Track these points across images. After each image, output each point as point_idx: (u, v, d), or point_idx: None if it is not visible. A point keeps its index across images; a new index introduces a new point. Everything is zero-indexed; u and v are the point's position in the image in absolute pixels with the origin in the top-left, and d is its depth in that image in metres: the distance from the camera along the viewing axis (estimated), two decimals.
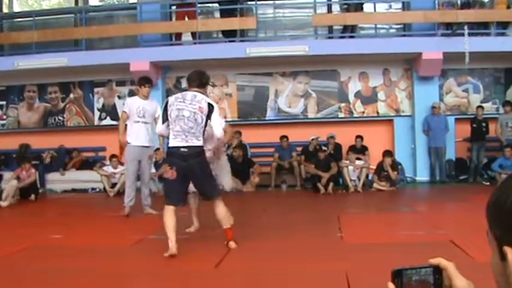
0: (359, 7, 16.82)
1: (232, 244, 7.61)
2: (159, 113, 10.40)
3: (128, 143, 10.84)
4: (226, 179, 8.95)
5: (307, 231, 8.82)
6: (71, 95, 17.91)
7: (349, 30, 16.84)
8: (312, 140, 15.90)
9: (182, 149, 7.18)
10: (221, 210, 7.57)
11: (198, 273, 6.49)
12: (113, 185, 15.37)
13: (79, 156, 17.27)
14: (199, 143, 7.26)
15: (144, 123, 10.84)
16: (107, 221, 10.63)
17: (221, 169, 8.76)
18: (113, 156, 15.35)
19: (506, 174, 14.12)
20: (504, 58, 16.14)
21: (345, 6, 16.94)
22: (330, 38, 17.02)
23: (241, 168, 15.10)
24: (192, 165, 7.18)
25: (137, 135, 10.79)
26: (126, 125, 11.00)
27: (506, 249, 1.28)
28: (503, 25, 16.32)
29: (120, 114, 12.61)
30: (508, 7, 16.39)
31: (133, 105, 10.88)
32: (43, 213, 13.07)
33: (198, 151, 7.25)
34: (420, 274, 1.42)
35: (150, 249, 8.10)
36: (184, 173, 7.23)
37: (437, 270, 1.42)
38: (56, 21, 18.23)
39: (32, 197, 14.49)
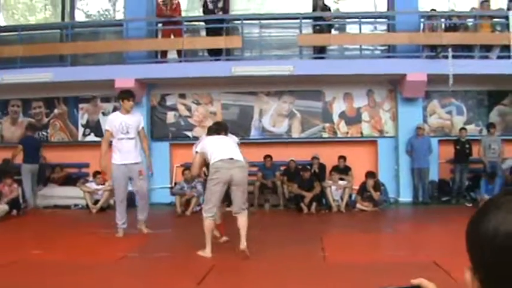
0: (329, 29, 17.00)
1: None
2: (143, 125, 10.70)
3: (112, 163, 10.48)
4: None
5: (290, 251, 8.83)
6: (56, 111, 17.83)
7: (318, 52, 17.02)
8: (290, 161, 15.95)
9: None
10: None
11: None
12: (96, 202, 15.31)
13: (62, 171, 17.19)
14: None
15: (129, 139, 10.46)
16: (89, 238, 10.55)
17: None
18: (97, 172, 15.22)
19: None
20: (487, 80, 16.28)
21: (317, 27, 16.99)
22: (315, 58, 17.04)
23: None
24: None
25: (123, 153, 10.42)
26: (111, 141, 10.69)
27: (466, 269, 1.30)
28: (486, 48, 16.44)
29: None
30: (492, 31, 16.56)
31: (115, 122, 10.50)
32: (25, 228, 12.96)
33: None
34: None
35: (132, 266, 8.10)
36: None
37: None
38: (42, 36, 18.14)
39: (14, 212, 14.38)
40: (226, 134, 9.25)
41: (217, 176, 8.38)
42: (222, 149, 8.58)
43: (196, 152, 9.09)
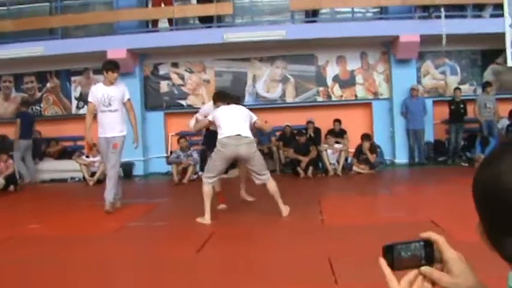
0: None
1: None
2: (128, 96, 10.27)
3: (98, 137, 10.15)
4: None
5: (288, 215, 8.83)
6: (48, 85, 17.77)
7: (316, 14, 16.94)
8: (286, 126, 15.94)
9: None
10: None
11: (180, 259, 6.47)
12: (92, 174, 15.30)
13: (57, 145, 17.17)
14: None
15: (111, 112, 10.01)
16: (87, 210, 10.47)
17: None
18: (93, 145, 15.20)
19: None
20: (481, 40, 16.20)
21: None
22: (306, 22, 16.94)
23: None
24: None
25: (104, 126, 10.03)
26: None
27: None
28: (479, 7, 16.35)
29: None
30: None
31: (97, 94, 10.04)
32: (22, 203, 12.95)
33: None
34: (411, 248, 1.41)
35: (131, 236, 8.10)
36: None
37: (428, 244, 1.42)
38: (31, 10, 17.94)
39: (11, 187, 14.41)
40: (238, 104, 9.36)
41: (223, 151, 8.57)
42: (230, 125, 8.69)
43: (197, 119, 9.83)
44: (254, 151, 8.77)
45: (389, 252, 1.42)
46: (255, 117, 9.15)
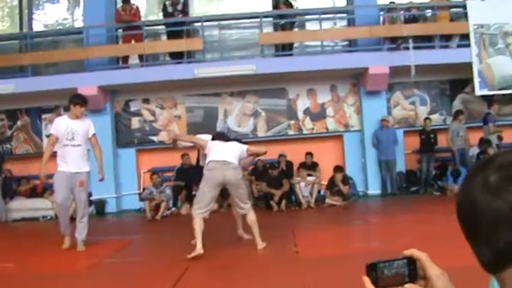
0: (290, 27, 17.12)
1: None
2: (93, 132, 10.02)
3: (57, 170, 9.68)
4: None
5: (263, 248, 8.82)
6: (18, 122, 17.65)
7: (287, 48, 17.03)
8: (258, 161, 15.94)
9: None
10: None
11: None
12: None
13: (28, 184, 17.01)
14: None
15: (74, 147, 9.65)
16: (59, 249, 10.27)
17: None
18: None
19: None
20: (449, 70, 16.46)
21: (280, 24, 17.09)
22: (276, 56, 17.07)
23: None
24: None
25: (67, 161, 9.62)
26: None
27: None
28: (446, 38, 16.60)
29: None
30: (451, 20, 16.72)
31: (61, 127, 9.69)
32: None
33: None
34: (394, 266, 1.44)
35: (105, 273, 8.04)
36: None
37: (411, 262, 1.44)
38: (1, 48, 17.96)
39: None
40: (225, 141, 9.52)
41: (210, 176, 8.67)
42: (219, 152, 8.87)
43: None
44: (240, 177, 8.91)
45: (372, 270, 1.44)
46: (245, 147, 9.25)
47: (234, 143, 9.39)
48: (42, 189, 14.30)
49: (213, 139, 9.53)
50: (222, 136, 9.79)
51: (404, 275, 1.43)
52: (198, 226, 8.52)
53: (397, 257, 1.46)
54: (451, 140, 15.94)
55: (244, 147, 9.23)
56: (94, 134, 10.07)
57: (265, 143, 16.41)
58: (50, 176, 9.92)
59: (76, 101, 9.83)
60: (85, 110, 10.04)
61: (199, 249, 8.29)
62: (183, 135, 9.97)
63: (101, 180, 10.27)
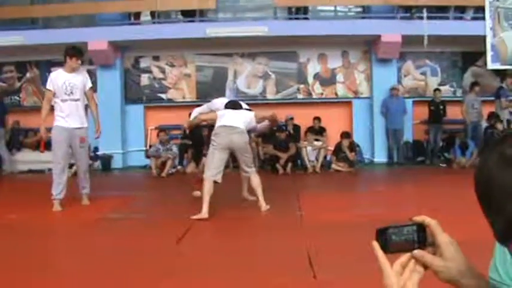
0: None
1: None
2: (90, 85, 9.72)
3: (55, 125, 9.30)
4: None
5: (267, 211, 8.83)
6: (27, 74, 17.64)
7: (301, 12, 16.89)
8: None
9: None
10: None
11: (160, 249, 6.45)
12: (71, 165, 15.19)
13: (36, 136, 17.02)
14: None
15: (73, 101, 9.30)
16: (65, 202, 10.30)
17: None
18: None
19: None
20: (461, 42, 16.34)
21: None
22: (289, 19, 16.95)
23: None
24: None
25: (66, 116, 9.24)
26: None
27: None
28: (461, 9, 16.46)
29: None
30: None
31: (58, 81, 9.27)
32: (0, 193, 12.84)
33: None
34: (404, 232, 1.44)
35: (110, 227, 8.06)
36: None
37: (421, 228, 1.44)
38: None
39: None
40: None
41: (218, 140, 8.76)
42: (227, 118, 9.01)
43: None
44: (246, 141, 9.02)
45: (382, 235, 1.44)
46: (253, 113, 9.45)
47: (244, 111, 9.52)
48: (44, 147, 14.24)
49: (226, 107, 9.61)
50: (234, 105, 9.80)
51: (413, 241, 1.43)
52: (207, 190, 8.53)
53: (407, 222, 1.45)
54: (466, 112, 15.81)
55: (252, 113, 9.41)
56: (91, 87, 9.77)
57: (274, 106, 16.42)
58: (50, 130, 9.65)
59: (72, 52, 9.39)
60: (80, 63, 9.67)
61: (204, 213, 8.29)
62: (197, 117, 9.98)
63: (97, 138, 10.27)
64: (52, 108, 9.56)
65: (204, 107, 10.33)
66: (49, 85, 9.37)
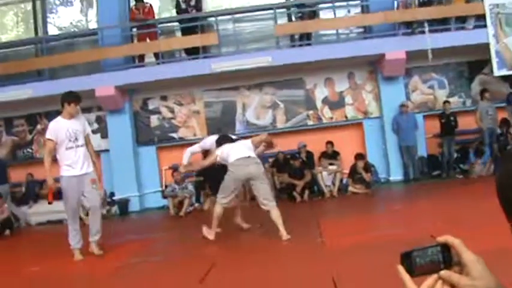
0: (312, 14, 16.97)
1: None
2: (89, 130, 9.67)
3: (62, 176, 9.18)
4: None
5: (288, 240, 8.81)
6: (38, 126, 17.76)
7: (305, 38, 16.93)
8: (278, 153, 15.87)
9: None
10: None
11: None
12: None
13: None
14: None
15: (79, 147, 9.16)
16: (85, 250, 10.22)
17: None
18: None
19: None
20: (466, 52, 16.32)
21: (299, 14, 16.98)
22: (292, 46, 16.99)
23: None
24: None
25: (72, 164, 9.10)
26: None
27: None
28: (461, 19, 16.45)
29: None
30: (466, 1, 16.55)
31: (60, 130, 9.07)
32: (20, 247, 12.86)
33: None
34: (428, 254, 1.43)
35: (130, 273, 8.04)
36: None
37: (445, 248, 1.42)
38: (16, 54, 18.01)
39: (7, 232, 14.29)
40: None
41: (235, 172, 9.13)
42: (239, 151, 9.35)
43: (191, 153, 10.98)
44: (263, 171, 9.36)
45: (406, 259, 1.43)
46: (249, 140, 9.82)
47: (243, 141, 9.93)
48: (52, 198, 14.16)
49: (219, 144, 9.88)
50: (228, 139, 10.15)
51: (439, 262, 1.41)
52: (218, 215, 9.26)
53: (431, 244, 1.44)
54: (480, 119, 15.72)
55: (249, 140, 9.76)
56: (88, 133, 9.59)
57: (285, 135, 16.48)
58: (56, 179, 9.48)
59: (70, 99, 9.24)
60: (79, 108, 9.42)
61: (212, 236, 9.26)
62: (192, 164, 10.54)
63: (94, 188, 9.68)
64: (54, 158, 9.33)
65: (196, 147, 10.88)
66: (50, 135, 9.14)
